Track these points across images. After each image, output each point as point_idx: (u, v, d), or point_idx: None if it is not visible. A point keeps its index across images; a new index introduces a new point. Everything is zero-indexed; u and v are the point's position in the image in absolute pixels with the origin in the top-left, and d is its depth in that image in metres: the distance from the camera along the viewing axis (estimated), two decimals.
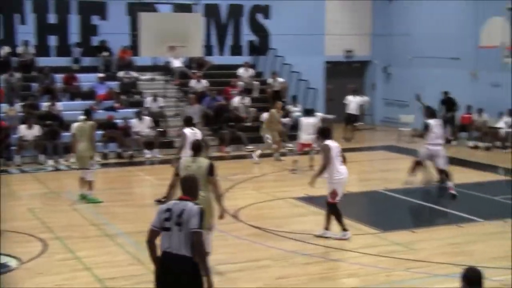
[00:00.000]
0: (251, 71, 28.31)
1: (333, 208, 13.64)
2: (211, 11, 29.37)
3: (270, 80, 28.19)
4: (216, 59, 29.08)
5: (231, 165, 22.06)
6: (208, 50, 29.26)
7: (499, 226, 14.53)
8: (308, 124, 20.68)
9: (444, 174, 17.55)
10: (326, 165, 13.43)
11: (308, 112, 21.69)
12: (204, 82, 26.80)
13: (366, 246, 13.02)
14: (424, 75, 29.29)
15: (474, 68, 26.70)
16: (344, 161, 13.81)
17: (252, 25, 30.36)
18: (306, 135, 20.74)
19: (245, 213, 15.70)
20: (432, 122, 17.40)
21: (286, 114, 26.66)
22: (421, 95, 23.58)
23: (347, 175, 13.75)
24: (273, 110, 22.87)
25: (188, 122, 15.99)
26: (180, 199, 7.90)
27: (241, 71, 28.02)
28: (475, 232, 14.12)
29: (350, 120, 27.66)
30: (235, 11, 30.03)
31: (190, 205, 7.72)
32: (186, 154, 13.68)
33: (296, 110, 27.16)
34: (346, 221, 13.86)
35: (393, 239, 13.57)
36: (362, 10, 32.25)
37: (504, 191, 18.42)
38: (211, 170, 10.85)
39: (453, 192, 17.00)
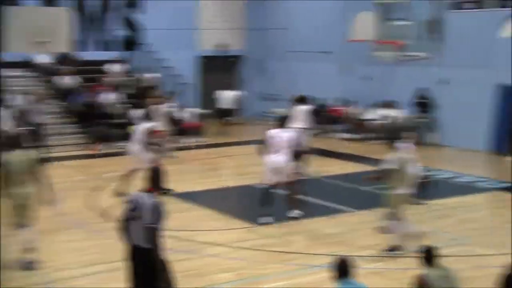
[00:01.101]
0: (123, 67, 27.82)
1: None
2: (80, 6, 28.69)
3: (143, 76, 27.82)
4: (86, 55, 28.44)
5: (103, 163, 21.66)
6: (78, 45, 28.57)
7: (369, 216, 14.81)
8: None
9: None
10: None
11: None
12: (75, 78, 26.15)
13: (240, 240, 13.02)
14: (297, 69, 29.62)
15: (345, 62, 27.17)
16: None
17: (124, 20, 29.85)
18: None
19: (119, 211, 15.40)
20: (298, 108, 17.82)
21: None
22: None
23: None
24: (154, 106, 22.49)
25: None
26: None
27: (112, 67, 27.49)
28: (347, 222, 14.36)
29: (224, 114, 27.68)
30: (107, 5, 29.45)
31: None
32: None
33: (171, 105, 26.95)
34: (220, 216, 13.84)
35: (267, 232, 13.62)
36: (236, 4, 32.28)
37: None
38: (36, 163, 11.06)
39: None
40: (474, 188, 17.43)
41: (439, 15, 22.10)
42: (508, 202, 15.90)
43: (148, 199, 8.37)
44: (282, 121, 14.58)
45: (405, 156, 12.07)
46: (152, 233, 8.46)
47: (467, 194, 16.81)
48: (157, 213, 8.42)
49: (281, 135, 14.26)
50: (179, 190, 17.33)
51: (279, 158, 14.12)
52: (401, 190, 11.93)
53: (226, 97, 27.78)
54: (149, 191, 8.62)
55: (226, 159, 21.56)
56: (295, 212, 14.64)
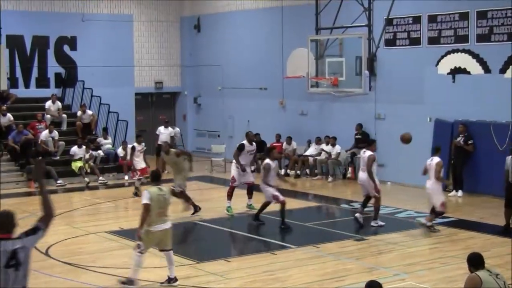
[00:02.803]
0: (58, 104, 27.56)
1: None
2: (14, 42, 28.37)
3: (79, 113, 27.60)
4: (21, 92, 28.13)
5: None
6: (13, 82, 28.28)
7: (311, 252, 14.88)
8: None
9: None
10: None
11: None
12: (9, 116, 25.83)
13: (182, 278, 12.88)
14: (234, 105, 29.72)
15: (281, 98, 27.36)
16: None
17: (58, 57, 29.57)
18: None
19: (57, 249, 15.25)
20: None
21: (97, 146, 26.32)
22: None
23: None
24: None
25: None
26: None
27: (48, 104, 27.22)
28: (289, 259, 14.37)
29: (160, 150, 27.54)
30: (40, 42, 29.14)
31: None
32: None
33: (106, 143, 26.81)
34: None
35: (209, 269, 13.57)
36: (170, 40, 32.31)
37: (314, 217, 18.96)
38: None
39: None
40: (415, 223, 17.57)
41: (372, 51, 22.45)
42: (449, 237, 16.09)
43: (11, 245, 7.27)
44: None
45: None
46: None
47: (407, 230, 16.95)
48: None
49: None
50: (115, 227, 17.27)
51: None
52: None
53: (164, 133, 27.59)
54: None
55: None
56: None
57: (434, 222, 16.64)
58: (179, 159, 18.84)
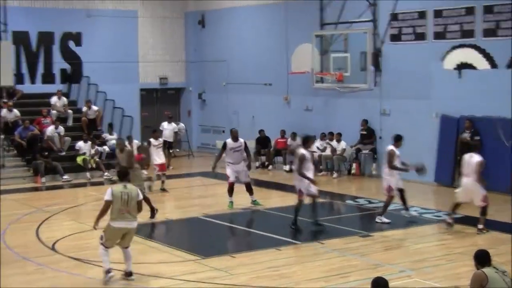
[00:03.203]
0: (64, 100, 27.65)
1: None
2: (20, 39, 28.42)
3: (84, 109, 27.66)
4: (27, 88, 28.21)
5: (47, 196, 21.47)
6: (19, 78, 28.34)
7: (316, 248, 14.86)
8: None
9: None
10: None
11: None
12: (16, 112, 25.90)
13: (186, 273, 12.93)
14: (238, 101, 29.71)
15: (286, 93, 27.34)
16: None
17: (64, 53, 29.62)
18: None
19: (63, 244, 15.30)
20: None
21: (103, 142, 26.37)
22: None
23: None
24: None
25: None
26: None
27: (54, 100, 27.31)
28: (293, 255, 14.36)
29: (166, 147, 27.55)
30: (46, 38, 29.21)
31: None
32: None
33: (112, 138, 26.83)
34: (166, 249, 13.75)
35: (213, 264, 13.56)
36: (175, 36, 32.31)
37: (319, 213, 18.91)
38: None
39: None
40: (421, 220, 17.52)
41: (377, 47, 22.43)
42: (455, 234, 16.01)
43: None
44: None
45: None
46: None
47: (414, 226, 16.90)
48: None
49: None
50: None
51: None
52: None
53: (168, 129, 27.61)
54: None
55: (168, 191, 21.46)
56: None
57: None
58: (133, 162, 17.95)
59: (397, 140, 17.19)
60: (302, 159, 16.22)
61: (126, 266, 12.64)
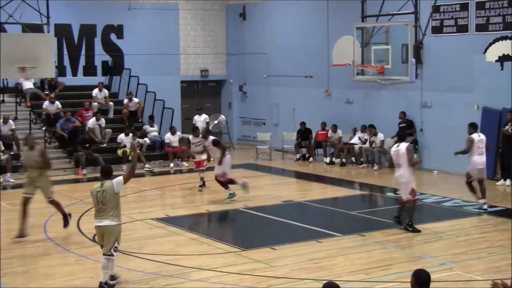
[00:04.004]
0: (105, 92, 27.87)
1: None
2: (62, 31, 28.71)
3: (125, 101, 27.86)
4: (69, 80, 28.52)
5: (87, 188, 21.55)
6: (61, 70, 28.65)
7: (357, 240, 14.84)
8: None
9: None
10: None
11: None
12: (58, 104, 26.17)
13: (227, 265, 12.98)
14: (279, 93, 29.72)
15: (327, 86, 27.28)
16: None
17: (105, 45, 29.89)
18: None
19: None
20: None
21: (144, 134, 26.54)
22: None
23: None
24: None
25: None
26: None
27: (95, 92, 27.55)
28: (334, 247, 14.35)
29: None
30: (88, 31, 29.50)
31: None
32: None
33: (153, 130, 26.99)
34: (206, 240, 13.81)
35: (254, 256, 13.59)
36: (216, 29, 32.40)
37: (360, 205, 18.89)
38: None
39: None
40: (462, 212, 17.42)
41: (418, 39, 22.26)
42: (496, 226, 15.90)
43: None
44: None
45: None
46: None
47: (455, 218, 16.78)
48: None
49: None
50: (162, 214, 17.42)
51: None
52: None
53: (199, 121, 27.37)
54: None
55: (208, 183, 21.52)
56: None
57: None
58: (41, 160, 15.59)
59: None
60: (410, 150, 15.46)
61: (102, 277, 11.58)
